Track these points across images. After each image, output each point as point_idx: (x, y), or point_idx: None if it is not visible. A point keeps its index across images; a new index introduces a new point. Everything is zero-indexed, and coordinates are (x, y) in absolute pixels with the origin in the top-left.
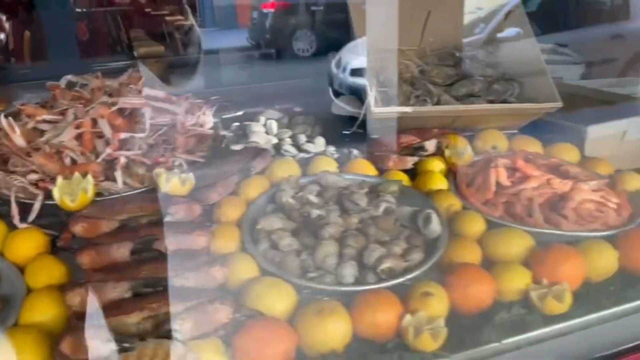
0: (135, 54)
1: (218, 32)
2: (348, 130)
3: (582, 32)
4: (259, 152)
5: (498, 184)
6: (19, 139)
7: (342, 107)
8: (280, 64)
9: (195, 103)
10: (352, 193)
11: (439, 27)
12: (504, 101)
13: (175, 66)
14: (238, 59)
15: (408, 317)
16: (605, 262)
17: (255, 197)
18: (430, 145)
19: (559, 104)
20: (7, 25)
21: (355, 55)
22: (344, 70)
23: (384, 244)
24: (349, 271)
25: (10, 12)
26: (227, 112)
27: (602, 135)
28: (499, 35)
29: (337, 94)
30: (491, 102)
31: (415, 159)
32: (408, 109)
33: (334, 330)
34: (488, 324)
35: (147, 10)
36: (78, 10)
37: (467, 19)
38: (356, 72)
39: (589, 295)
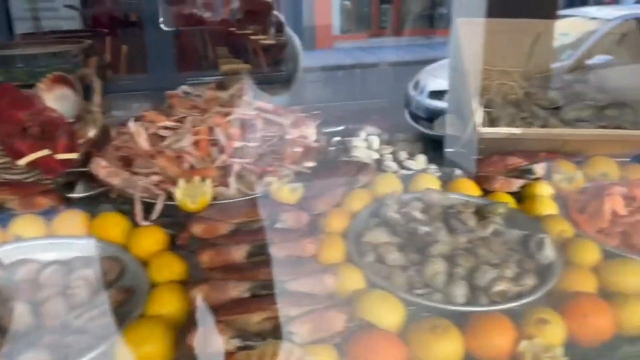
0: (220, 70)
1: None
2: (452, 149)
3: None
4: (362, 166)
5: (613, 212)
6: (144, 142)
7: (442, 127)
8: (359, 83)
9: (301, 116)
10: (460, 212)
11: (545, 49)
12: (618, 127)
13: (265, 82)
14: (318, 78)
15: (525, 343)
16: None
17: (359, 210)
18: (539, 168)
19: None
20: (108, 39)
21: (434, 77)
22: (422, 92)
23: (494, 266)
24: (461, 291)
25: (111, 28)
26: (328, 127)
27: None
28: (588, 62)
29: (414, 116)
30: (603, 127)
31: (522, 181)
32: (517, 131)
33: (447, 348)
34: (609, 357)
35: (233, 29)
36: (167, 29)
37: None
38: (435, 94)
39: None
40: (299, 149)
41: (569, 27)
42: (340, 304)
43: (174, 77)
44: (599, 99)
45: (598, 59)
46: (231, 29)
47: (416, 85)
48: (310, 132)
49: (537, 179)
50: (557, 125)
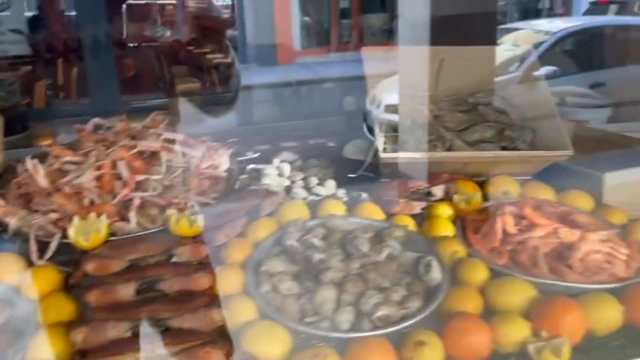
0: (175, 90)
1: (254, 68)
2: (355, 174)
3: (622, 70)
4: (268, 194)
5: (505, 231)
6: (42, 180)
7: (351, 151)
8: (319, 98)
9: (212, 146)
10: (355, 238)
11: (455, 73)
12: (515, 148)
13: (211, 103)
14: (272, 96)
15: None
16: (607, 316)
17: (263, 239)
18: (438, 190)
19: (570, 152)
20: (59, 63)
21: (389, 91)
22: (378, 106)
23: (383, 291)
24: (345, 317)
25: (60, 51)
26: (244, 154)
27: (621, 182)
28: (536, 73)
29: (371, 130)
30: (504, 148)
31: (422, 204)
32: (416, 155)
33: None
34: None
35: (190, 47)
36: (129, 45)
37: (505, 56)
38: (390, 108)
39: (591, 351)
40: (206, 180)
41: (516, 39)
42: (218, 340)
43: (118, 101)
44: (501, 120)
45: (545, 69)
46: (189, 47)
47: (373, 99)
48: (221, 162)
49: (438, 201)
50: (461, 147)
